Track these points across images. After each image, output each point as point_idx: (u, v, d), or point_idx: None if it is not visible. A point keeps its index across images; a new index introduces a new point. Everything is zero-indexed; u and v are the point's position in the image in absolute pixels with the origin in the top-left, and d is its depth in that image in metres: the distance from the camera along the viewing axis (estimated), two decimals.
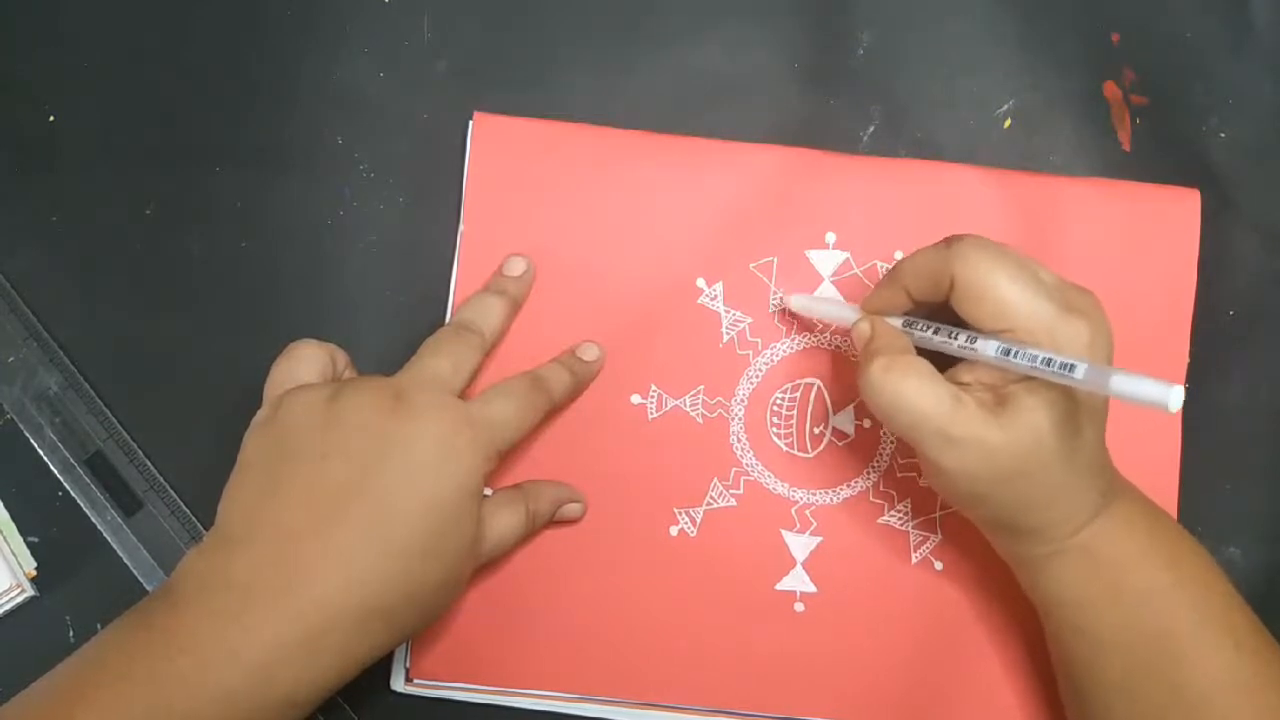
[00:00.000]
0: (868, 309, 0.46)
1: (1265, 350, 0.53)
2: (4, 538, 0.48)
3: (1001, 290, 0.40)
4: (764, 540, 0.50)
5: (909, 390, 0.41)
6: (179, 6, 0.52)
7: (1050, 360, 0.38)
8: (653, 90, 0.52)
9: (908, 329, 0.44)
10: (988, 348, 0.40)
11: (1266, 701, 0.42)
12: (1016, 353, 0.40)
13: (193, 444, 0.49)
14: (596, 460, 0.50)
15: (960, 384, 0.42)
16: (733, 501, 0.50)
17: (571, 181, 0.50)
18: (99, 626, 0.48)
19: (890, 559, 0.50)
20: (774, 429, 0.50)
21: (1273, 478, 0.52)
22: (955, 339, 0.42)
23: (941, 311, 0.43)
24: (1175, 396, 0.35)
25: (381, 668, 0.48)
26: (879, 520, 0.51)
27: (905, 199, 0.51)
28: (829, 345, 0.51)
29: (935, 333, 0.43)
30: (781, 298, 0.50)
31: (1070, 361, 0.38)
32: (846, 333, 0.49)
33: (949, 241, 0.42)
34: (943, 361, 0.43)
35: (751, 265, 0.50)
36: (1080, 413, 0.41)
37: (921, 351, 0.43)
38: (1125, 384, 0.36)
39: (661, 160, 0.50)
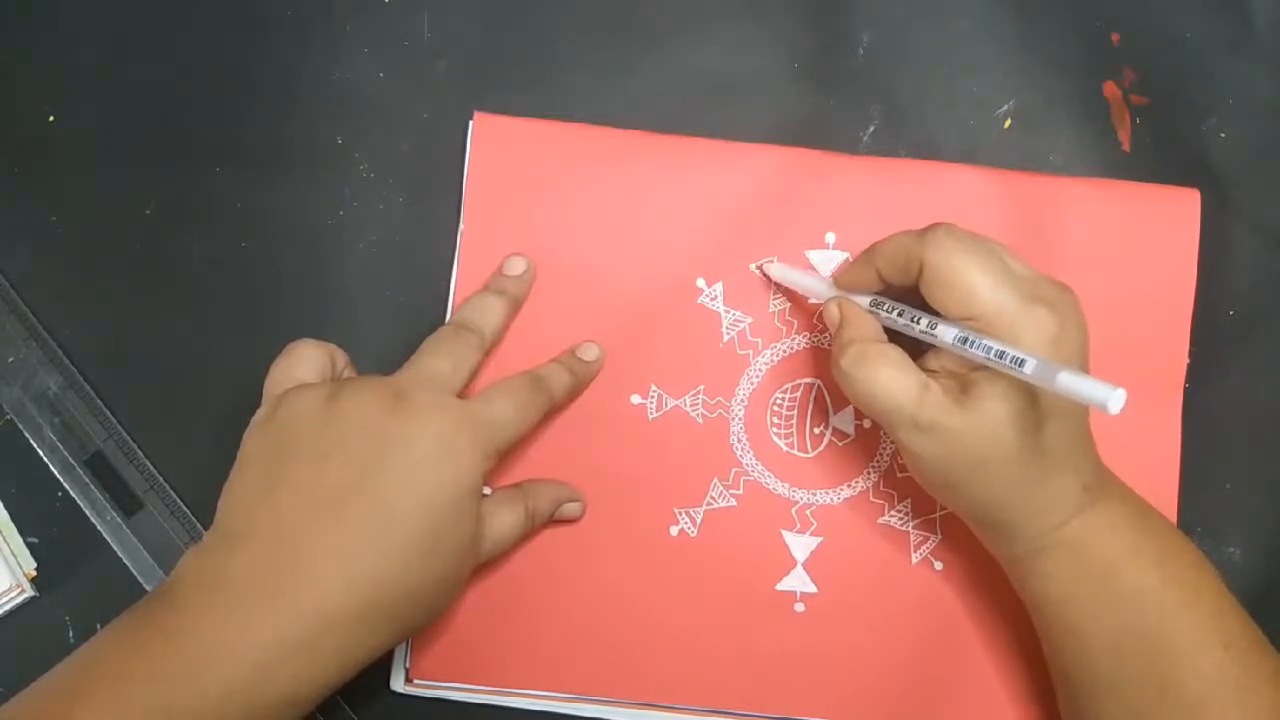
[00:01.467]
0: (840, 285, 0.46)
1: (1265, 350, 0.53)
2: (4, 538, 0.48)
3: (968, 279, 0.41)
4: (764, 540, 0.50)
5: (880, 378, 0.42)
6: (179, 6, 0.52)
7: (1003, 353, 0.39)
8: (653, 90, 0.52)
9: (874, 309, 0.45)
10: (947, 334, 0.41)
11: (1258, 702, 0.42)
12: (973, 342, 0.40)
13: (193, 444, 0.49)
14: (596, 460, 0.50)
15: (929, 370, 0.43)
16: (733, 501, 0.50)
17: (571, 181, 0.50)
18: (99, 626, 0.48)
19: (890, 559, 0.50)
20: (774, 429, 0.50)
21: (1273, 478, 0.52)
22: (918, 323, 0.42)
23: (913, 295, 0.43)
24: (1116, 399, 0.35)
25: (381, 668, 0.48)
26: (879, 520, 0.51)
27: (905, 199, 0.51)
28: (829, 345, 0.51)
29: (900, 315, 0.43)
30: (762, 265, 0.50)
31: (1021, 356, 0.38)
32: None
33: (925, 229, 0.43)
34: (912, 346, 0.43)
35: (751, 265, 0.50)
36: (1039, 407, 0.41)
37: (894, 336, 0.44)
38: (1070, 382, 0.36)
39: (661, 160, 0.50)
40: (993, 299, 0.40)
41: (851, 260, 0.46)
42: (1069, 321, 0.41)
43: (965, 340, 0.40)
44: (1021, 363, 0.38)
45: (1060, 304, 0.41)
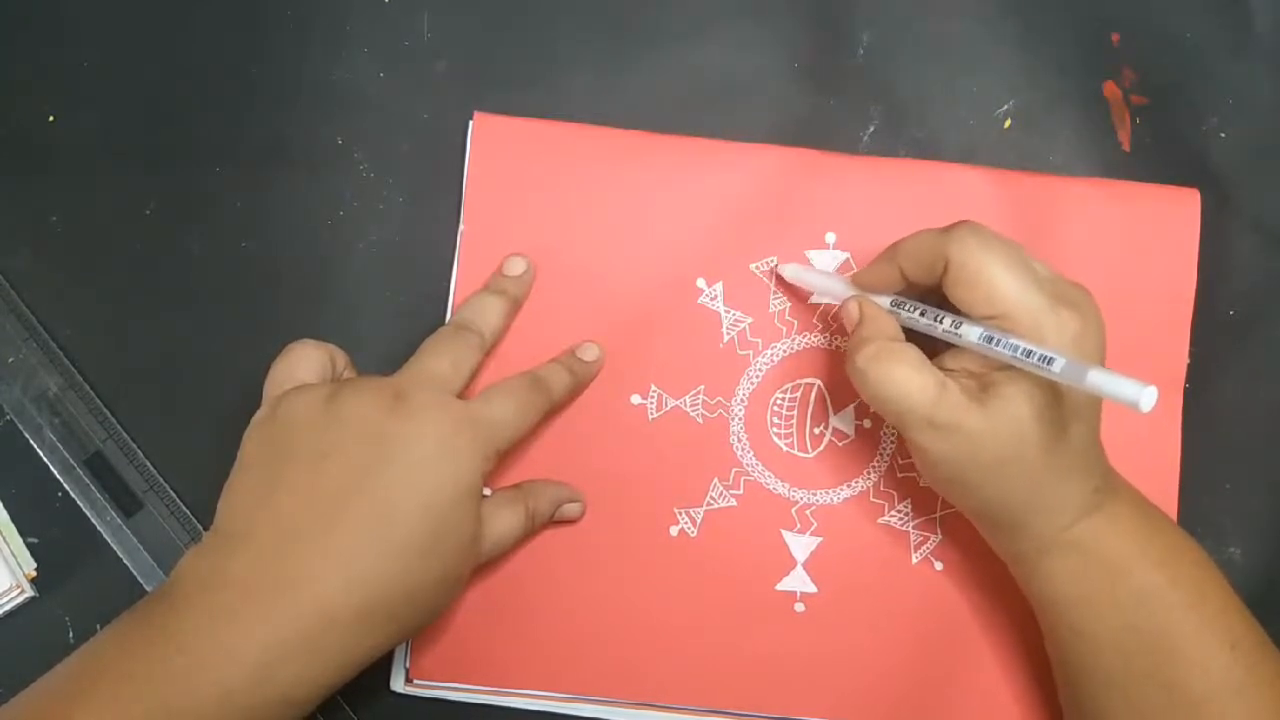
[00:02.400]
0: (859, 284, 0.46)
1: (1265, 350, 0.53)
2: (4, 538, 0.48)
3: (993, 277, 0.41)
4: (764, 540, 0.50)
5: (896, 377, 0.42)
6: (179, 6, 0.52)
7: (1030, 352, 0.39)
8: (653, 90, 0.52)
9: (895, 309, 0.44)
10: (971, 333, 0.41)
11: (1262, 703, 0.42)
12: (999, 341, 0.40)
13: (193, 444, 0.49)
14: (596, 460, 0.50)
15: (946, 370, 0.43)
16: (733, 501, 0.50)
17: (571, 181, 0.50)
18: (99, 627, 0.48)
19: (890, 559, 0.50)
20: (774, 429, 0.50)
21: (1273, 478, 0.52)
22: (941, 322, 0.42)
23: (933, 295, 0.43)
24: (1148, 397, 0.35)
25: (381, 668, 0.48)
26: (879, 520, 0.51)
27: (905, 199, 0.51)
28: (829, 345, 0.51)
29: (922, 315, 0.43)
30: (776, 266, 0.50)
31: (1049, 355, 0.38)
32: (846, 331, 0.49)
33: (949, 227, 0.42)
34: (930, 346, 0.43)
35: (751, 265, 0.50)
36: (1063, 406, 0.41)
37: (910, 335, 0.44)
38: (1101, 380, 0.36)
39: (661, 160, 0.50)
40: (1018, 299, 0.40)
41: (872, 260, 0.46)
42: (1090, 322, 0.41)
43: (991, 339, 0.40)
44: (1050, 361, 0.38)
45: (1082, 305, 0.41)
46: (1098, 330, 0.42)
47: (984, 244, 0.41)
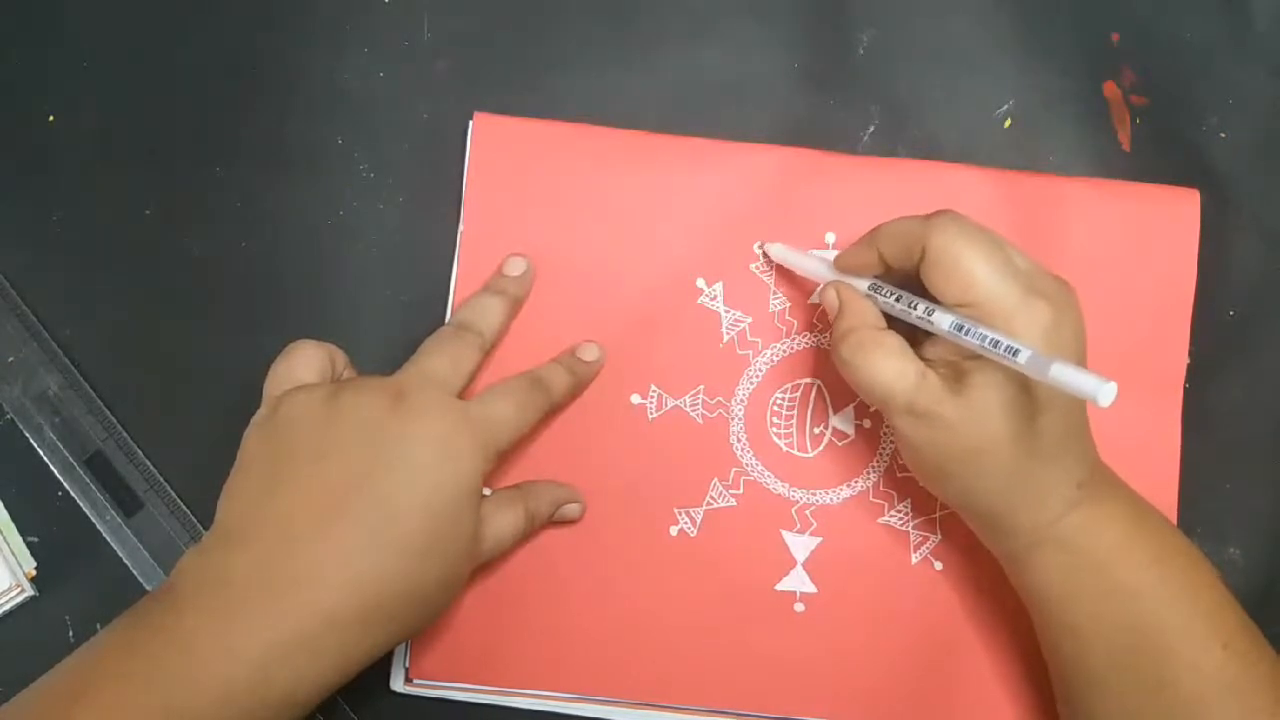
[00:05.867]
0: (839, 265, 0.47)
1: (1265, 350, 0.53)
2: (4, 538, 0.48)
3: (968, 265, 0.41)
4: (764, 540, 0.50)
5: (878, 364, 0.42)
6: (179, 6, 0.52)
7: (997, 342, 0.39)
8: (653, 90, 0.52)
9: (872, 293, 0.45)
10: (943, 320, 0.41)
11: (1255, 703, 0.42)
12: (968, 330, 0.40)
13: (193, 444, 0.49)
14: (596, 460, 0.50)
15: (926, 359, 0.43)
16: (733, 501, 0.50)
17: (571, 181, 0.50)
18: (99, 626, 0.48)
19: (890, 559, 0.50)
20: (774, 429, 0.50)
21: (1273, 478, 0.52)
22: (915, 308, 0.43)
23: (912, 281, 0.44)
24: (1106, 392, 0.36)
25: (381, 668, 0.48)
26: (879, 520, 0.51)
27: (905, 199, 0.51)
28: (829, 345, 0.51)
29: (898, 300, 0.44)
30: (762, 246, 0.50)
31: (1015, 346, 0.38)
32: None
33: (930, 214, 0.43)
34: (912, 334, 0.43)
35: (751, 265, 0.50)
36: (1034, 398, 0.41)
37: (892, 323, 0.44)
38: (1062, 374, 0.37)
39: (661, 160, 0.50)
40: (991, 288, 0.41)
41: (853, 243, 0.46)
42: (1065, 315, 0.41)
43: (961, 328, 0.40)
44: (1015, 352, 0.38)
45: (1058, 298, 0.41)
46: (1073, 325, 0.42)
47: (963, 232, 0.41)
